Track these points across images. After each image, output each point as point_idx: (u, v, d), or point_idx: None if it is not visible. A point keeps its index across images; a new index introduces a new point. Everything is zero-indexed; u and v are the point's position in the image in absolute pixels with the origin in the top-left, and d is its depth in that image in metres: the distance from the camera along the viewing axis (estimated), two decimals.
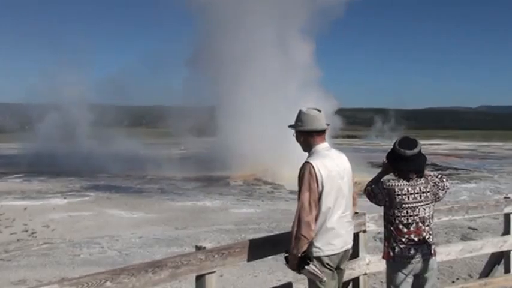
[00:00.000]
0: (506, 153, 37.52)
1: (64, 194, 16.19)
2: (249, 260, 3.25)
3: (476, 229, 9.63)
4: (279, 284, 4.36)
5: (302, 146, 3.21)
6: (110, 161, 23.64)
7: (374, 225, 4.08)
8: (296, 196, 3.14)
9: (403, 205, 3.25)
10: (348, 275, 3.70)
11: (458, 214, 4.62)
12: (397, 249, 3.28)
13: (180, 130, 31.25)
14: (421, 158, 3.29)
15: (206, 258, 2.98)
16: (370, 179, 3.47)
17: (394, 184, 3.27)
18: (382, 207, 3.40)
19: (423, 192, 3.28)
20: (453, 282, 6.24)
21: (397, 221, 3.28)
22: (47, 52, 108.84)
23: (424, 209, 3.29)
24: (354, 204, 3.35)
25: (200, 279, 3.01)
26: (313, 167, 2.98)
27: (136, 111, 64.10)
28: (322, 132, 3.15)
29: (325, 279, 3.02)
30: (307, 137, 3.14)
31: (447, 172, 22.56)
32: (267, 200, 15.36)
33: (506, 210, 4.79)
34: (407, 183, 3.27)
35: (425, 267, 3.30)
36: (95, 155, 25.73)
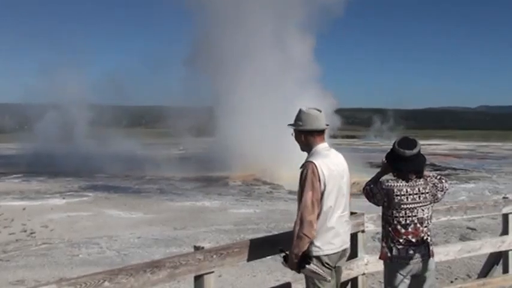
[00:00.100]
0: (505, 153, 37.50)
1: (63, 194, 16.17)
2: (247, 260, 3.25)
3: (474, 229, 9.64)
4: (277, 284, 4.35)
5: (301, 146, 3.21)
6: (109, 161, 23.63)
7: (373, 225, 4.07)
8: (295, 196, 3.13)
9: (402, 206, 3.24)
10: (346, 275, 3.70)
11: (457, 214, 4.63)
12: (394, 250, 3.27)
13: (179, 130, 31.28)
14: (420, 158, 3.27)
15: (204, 258, 2.98)
16: (369, 179, 3.46)
17: (393, 184, 3.26)
18: (381, 208, 3.39)
19: (422, 193, 3.26)
20: (452, 282, 6.25)
21: (395, 222, 3.26)
22: (46, 52, 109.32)
23: (423, 210, 3.27)
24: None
25: (198, 279, 3.01)
26: (316, 166, 2.99)
27: (135, 111, 64.02)
28: (322, 132, 3.17)
29: (329, 278, 3.01)
30: (307, 137, 3.14)
31: (446, 172, 22.53)
32: (266, 200, 15.35)
33: (505, 210, 4.79)
34: (406, 184, 3.25)
35: (423, 268, 3.29)
36: (94, 155, 25.68)
